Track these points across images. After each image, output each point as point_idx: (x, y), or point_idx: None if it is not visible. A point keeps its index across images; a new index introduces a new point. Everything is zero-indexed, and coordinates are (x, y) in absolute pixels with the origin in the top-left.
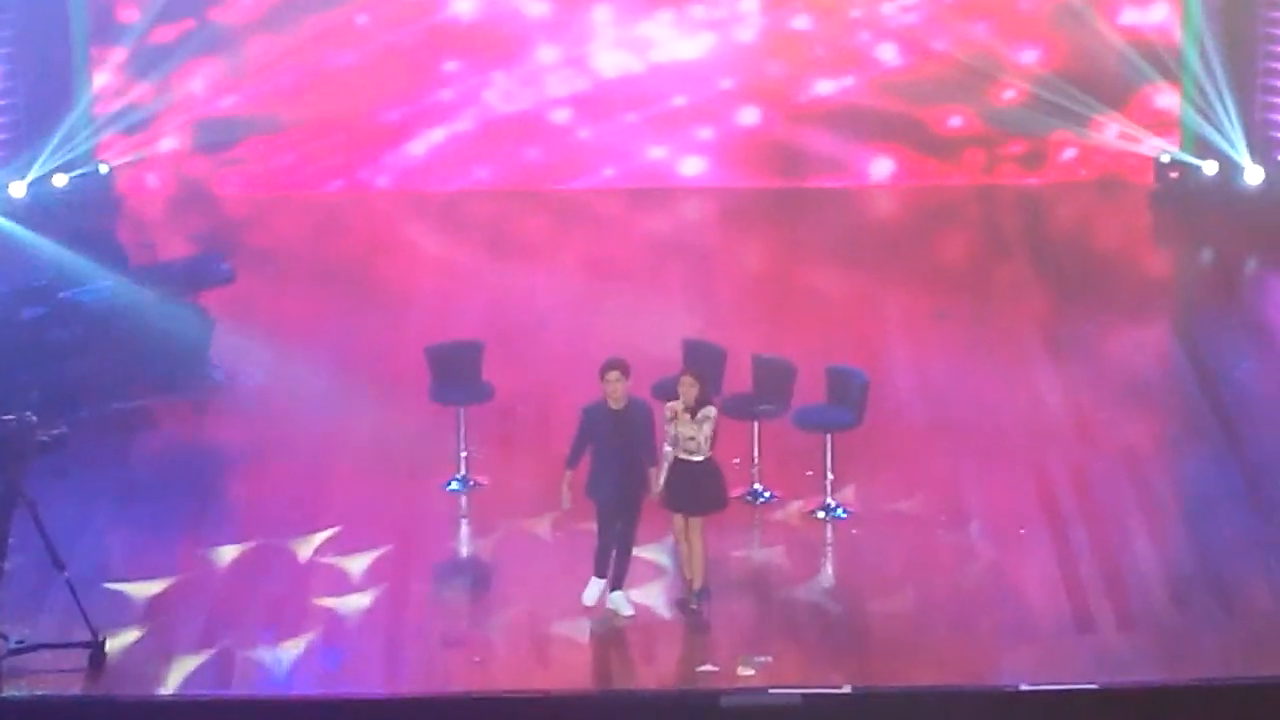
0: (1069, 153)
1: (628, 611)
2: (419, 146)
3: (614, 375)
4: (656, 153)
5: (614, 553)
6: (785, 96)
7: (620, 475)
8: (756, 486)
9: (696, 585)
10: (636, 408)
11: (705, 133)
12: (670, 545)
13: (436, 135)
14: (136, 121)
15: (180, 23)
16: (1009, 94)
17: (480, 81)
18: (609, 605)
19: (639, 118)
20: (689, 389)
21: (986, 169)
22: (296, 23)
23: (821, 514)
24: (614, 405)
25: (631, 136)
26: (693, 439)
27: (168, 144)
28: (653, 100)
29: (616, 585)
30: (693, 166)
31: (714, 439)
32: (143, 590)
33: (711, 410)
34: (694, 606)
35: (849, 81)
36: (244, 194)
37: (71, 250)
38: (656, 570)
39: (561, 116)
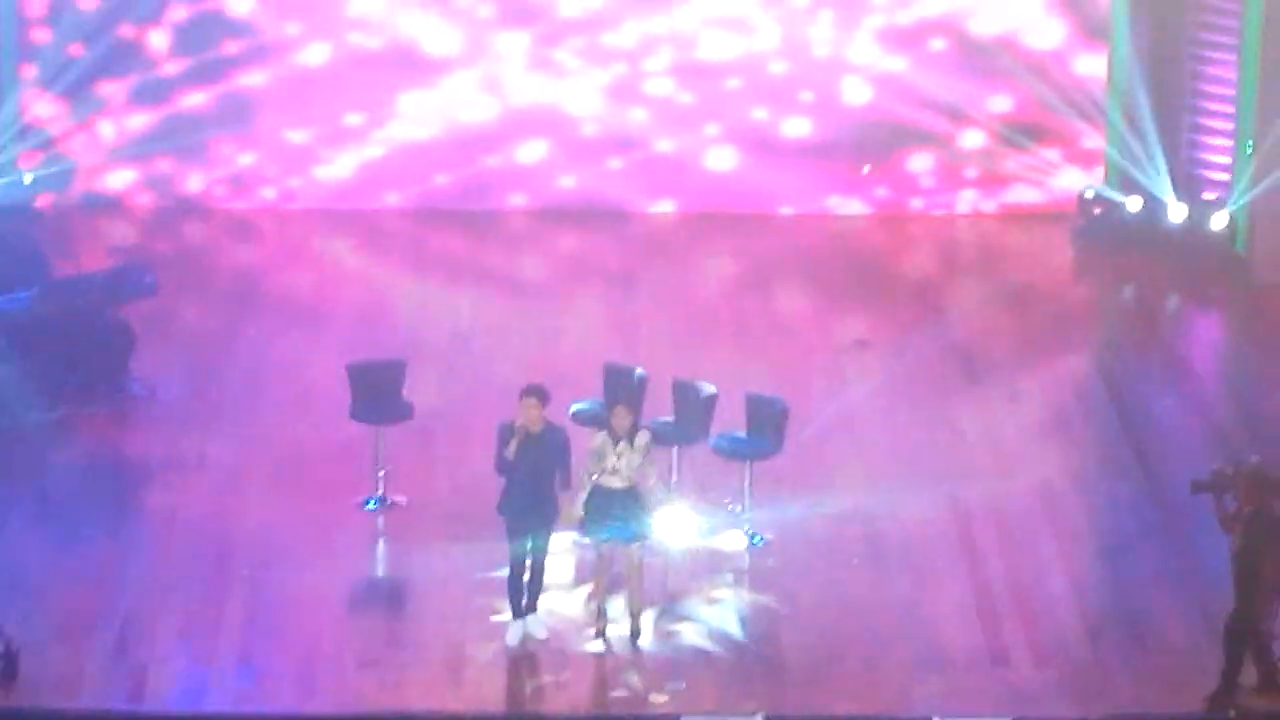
0: (995, 186)
1: (542, 635)
2: (340, 165)
3: (530, 401)
4: (569, 180)
5: (528, 579)
6: (702, 124)
7: (528, 497)
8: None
9: (635, 610)
10: (552, 433)
11: (617, 161)
12: (590, 571)
13: (354, 155)
14: (57, 135)
15: (98, 41)
16: (951, 130)
17: (395, 103)
18: (536, 633)
19: (554, 142)
20: (623, 419)
21: (915, 200)
22: (213, 42)
23: (738, 541)
24: (530, 428)
25: (548, 160)
26: (622, 468)
27: (88, 158)
28: (568, 125)
29: (531, 608)
30: (617, 191)
31: (649, 467)
32: (57, 602)
33: (647, 437)
34: (632, 630)
35: (780, 112)
36: (162, 207)
37: None
38: (574, 596)
39: (479, 139)
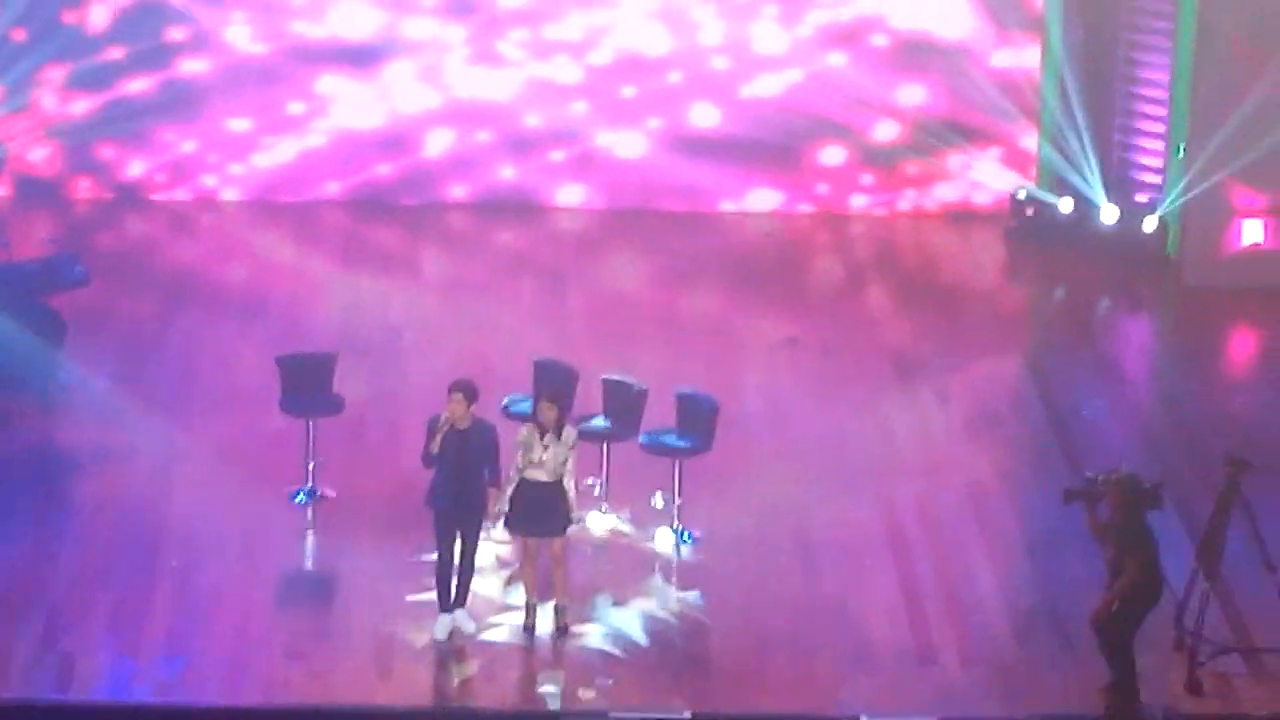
0: (927, 185)
1: (470, 629)
2: (271, 156)
3: (456, 396)
4: (509, 172)
5: (457, 572)
6: (645, 119)
7: (456, 492)
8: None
9: (562, 603)
10: (479, 429)
11: (559, 154)
12: (513, 566)
13: (288, 146)
14: None
15: (33, 26)
16: (882, 129)
17: (333, 94)
18: (464, 628)
19: (495, 136)
20: (548, 412)
21: (847, 199)
22: (153, 31)
23: (667, 538)
24: (457, 425)
25: (487, 154)
26: (547, 462)
27: (20, 145)
28: (509, 119)
29: (460, 603)
30: (550, 187)
31: (571, 462)
32: None
33: (573, 433)
34: (559, 625)
35: (714, 110)
36: (99, 197)
37: None
38: (500, 590)
39: (416, 132)
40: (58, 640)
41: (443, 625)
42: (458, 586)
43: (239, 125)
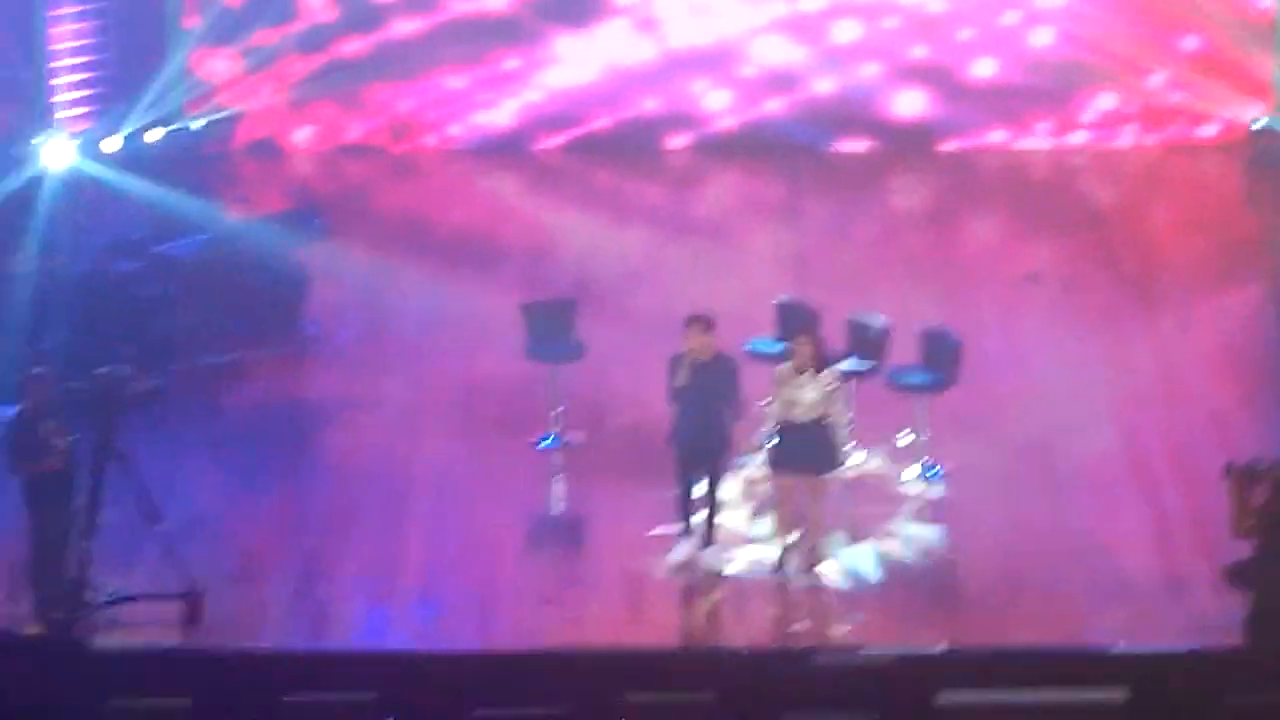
0: (1162, 119)
1: (719, 566)
2: (502, 110)
3: (696, 327)
4: (732, 119)
5: (703, 510)
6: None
7: (699, 427)
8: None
9: (815, 543)
10: (721, 361)
11: (777, 101)
12: (770, 504)
13: (515, 99)
14: (220, 84)
15: None
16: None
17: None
18: (703, 564)
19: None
20: (804, 348)
21: (1083, 135)
22: None
23: (916, 475)
24: (699, 357)
25: (713, 96)
26: (802, 400)
27: (254, 103)
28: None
29: (708, 542)
30: (783, 128)
31: (836, 401)
32: (238, 543)
33: (833, 373)
34: (812, 563)
35: (940, 49)
36: (324, 151)
37: (166, 204)
38: (754, 528)
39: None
40: (311, 590)
41: (680, 550)
42: (706, 525)
43: (457, 82)
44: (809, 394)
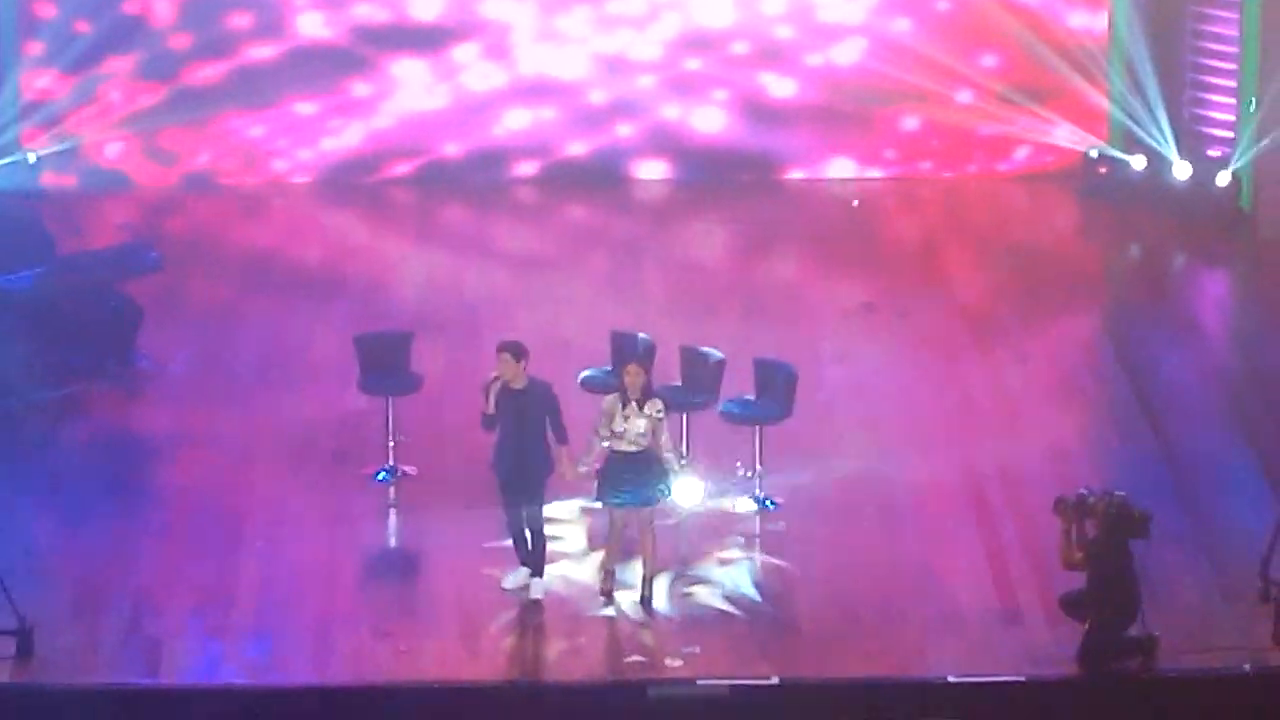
0: (1000, 147)
1: (541, 595)
2: (340, 139)
3: (504, 356)
4: (578, 147)
5: (533, 539)
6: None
7: (515, 454)
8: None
9: (648, 574)
10: (535, 387)
11: (626, 128)
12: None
13: (356, 130)
14: (59, 112)
15: (99, 17)
16: (961, 95)
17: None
18: (533, 594)
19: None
20: (635, 377)
21: (919, 164)
22: (213, 19)
23: (751, 506)
24: (511, 385)
25: (555, 130)
26: (628, 431)
27: (89, 135)
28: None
29: (538, 572)
30: (620, 158)
31: (665, 435)
32: (69, 578)
33: (658, 404)
34: (645, 595)
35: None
36: (167, 185)
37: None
38: (586, 561)
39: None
40: (144, 626)
41: (514, 577)
42: (532, 553)
43: (306, 108)
44: (636, 424)
